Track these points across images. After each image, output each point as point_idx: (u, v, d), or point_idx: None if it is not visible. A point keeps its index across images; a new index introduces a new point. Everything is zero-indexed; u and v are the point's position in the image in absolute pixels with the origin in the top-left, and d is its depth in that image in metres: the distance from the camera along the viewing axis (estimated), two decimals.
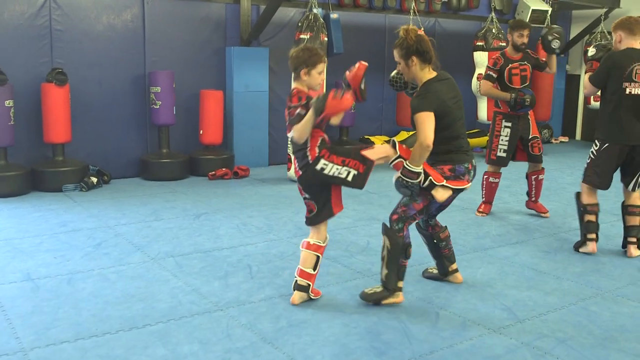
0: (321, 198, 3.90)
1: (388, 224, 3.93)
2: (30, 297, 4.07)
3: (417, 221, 4.17)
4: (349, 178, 3.75)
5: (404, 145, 3.87)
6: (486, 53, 9.56)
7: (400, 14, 9.78)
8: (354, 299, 4.10)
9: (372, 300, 3.95)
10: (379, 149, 3.87)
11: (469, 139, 10.86)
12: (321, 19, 7.82)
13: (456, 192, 3.90)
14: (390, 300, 3.95)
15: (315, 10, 8.09)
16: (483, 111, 9.80)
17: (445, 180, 3.81)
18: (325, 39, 7.85)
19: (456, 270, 4.41)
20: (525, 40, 6.20)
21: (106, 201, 6.79)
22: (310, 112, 3.69)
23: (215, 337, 3.52)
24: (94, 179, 7.42)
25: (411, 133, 10.06)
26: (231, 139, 8.85)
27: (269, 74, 9.00)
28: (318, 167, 3.77)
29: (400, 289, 3.97)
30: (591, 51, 5.34)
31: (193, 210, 6.47)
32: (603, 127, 4.99)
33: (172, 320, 3.73)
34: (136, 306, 3.93)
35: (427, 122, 3.69)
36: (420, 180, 3.72)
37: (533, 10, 10.76)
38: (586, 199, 5.12)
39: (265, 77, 8.92)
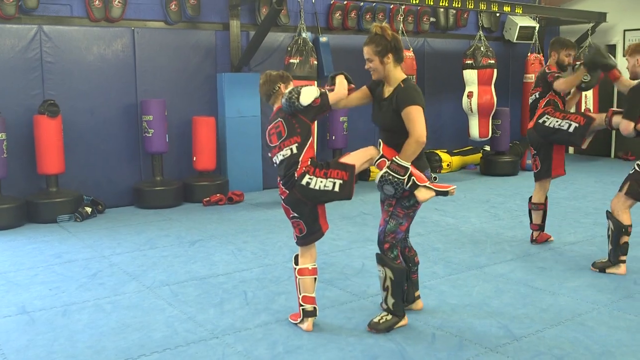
0: (310, 216, 3.88)
1: (380, 253, 3.88)
2: (26, 330, 4.05)
3: (400, 245, 4.05)
4: (336, 189, 3.72)
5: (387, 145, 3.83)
6: (475, 71, 9.64)
7: None
8: (350, 322, 4.09)
9: (385, 330, 3.87)
10: (359, 153, 3.86)
11: (464, 156, 10.77)
12: (310, 43, 7.89)
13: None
14: (400, 324, 3.94)
15: (304, 35, 8.17)
16: (475, 129, 9.86)
17: (428, 182, 3.71)
18: (315, 62, 7.91)
19: (419, 297, 4.27)
20: (572, 61, 5.84)
21: (101, 231, 6.79)
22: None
23: None
24: (89, 209, 7.42)
25: None
26: (225, 164, 8.87)
27: (261, 98, 9.03)
28: (304, 182, 3.74)
29: (404, 315, 3.98)
30: (585, 78, 5.43)
31: (188, 237, 6.47)
32: None
33: (167, 349, 3.72)
34: (132, 336, 3.91)
35: (421, 116, 3.66)
36: (406, 179, 3.61)
37: (521, 27, 10.88)
38: (627, 220, 4.92)
39: (257, 102, 8.96)
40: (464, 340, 3.76)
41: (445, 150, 10.73)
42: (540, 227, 5.99)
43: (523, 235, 6.28)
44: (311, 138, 3.84)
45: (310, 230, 3.92)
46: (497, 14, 11.18)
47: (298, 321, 4.01)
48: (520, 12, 10.17)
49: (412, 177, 3.64)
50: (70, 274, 5.28)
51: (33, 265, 5.56)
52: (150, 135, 8.03)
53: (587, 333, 3.86)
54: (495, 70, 9.74)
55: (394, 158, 3.64)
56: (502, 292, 4.62)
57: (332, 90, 3.96)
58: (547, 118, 5.61)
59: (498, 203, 7.86)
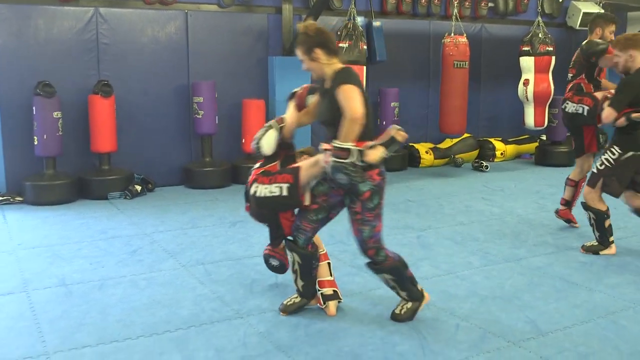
0: (274, 222, 3.89)
1: (369, 261, 3.82)
2: (62, 302, 4.21)
3: (294, 239, 3.84)
4: (284, 193, 3.60)
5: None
6: (532, 58, 9.36)
7: (445, 20, 9.68)
8: (375, 308, 4.08)
9: (411, 316, 3.87)
10: (306, 160, 3.74)
11: (519, 145, 10.52)
12: (360, 27, 7.83)
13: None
14: (422, 305, 3.92)
15: (357, 19, 8.10)
16: (530, 117, 9.59)
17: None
18: (365, 47, 7.85)
19: (317, 292, 4.07)
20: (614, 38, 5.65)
21: (148, 209, 6.97)
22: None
23: (231, 344, 3.57)
24: (138, 187, 7.62)
25: (455, 140, 9.95)
26: None
27: (311, 82, 9.02)
28: (252, 191, 3.71)
29: (422, 292, 3.93)
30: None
31: (230, 218, 6.56)
32: (627, 137, 4.99)
33: (192, 327, 3.80)
34: (160, 312, 4.02)
35: (355, 94, 3.44)
36: (354, 161, 3.39)
37: (584, 13, 10.49)
38: (604, 206, 5.20)
39: None
40: (488, 333, 3.70)
41: (500, 139, 10.48)
42: (567, 203, 6.06)
43: (569, 228, 6.10)
44: (277, 160, 3.85)
45: (274, 234, 3.93)
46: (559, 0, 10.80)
47: (324, 306, 4.02)
48: None
49: (357, 150, 3.40)
50: (112, 249, 5.45)
51: (79, 239, 5.77)
52: (201, 116, 8.16)
53: (619, 332, 3.73)
54: (553, 58, 9.42)
55: (333, 143, 3.44)
56: (536, 286, 4.50)
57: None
58: (567, 104, 5.79)
59: (548, 194, 7.64)
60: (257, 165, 3.89)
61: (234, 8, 8.57)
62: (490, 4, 10.30)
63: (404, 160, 9.53)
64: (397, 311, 3.90)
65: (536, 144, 10.51)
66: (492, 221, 6.39)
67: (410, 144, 9.87)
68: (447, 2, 9.84)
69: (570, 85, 5.79)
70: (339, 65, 3.64)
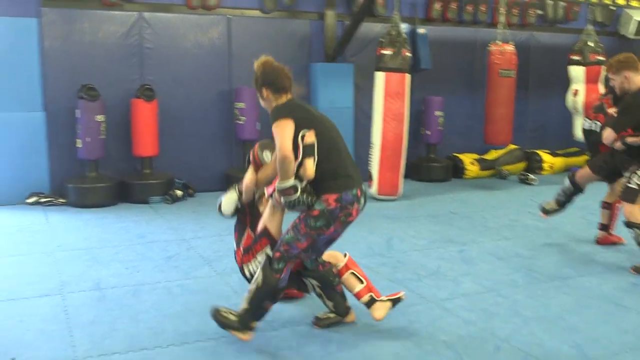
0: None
1: (268, 258, 3.62)
2: (95, 306, 4.19)
3: (307, 265, 3.82)
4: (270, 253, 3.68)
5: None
6: (583, 67, 9.07)
7: (492, 28, 9.45)
8: (412, 325, 3.94)
9: (220, 322, 3.58)
10: (265, 212, 3.87)
11: (568, 158, 10.19)
12: (404, 35, 7.68)
13: (347, 225, 3.55)
14: (238, 334, 3.57)
15: (401, 26, 7.96)
16: (580, 129, 9.27)
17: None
18: (408, 54, 7.70)
19: (350, 308, 3.95)
20: None
21: (187, 214, 6.95)
22: None
23: (262, 357, 3.48)
24: (179, 192, 7.63)
25: (501, 151, 9.71)
26: None
27: (354, 89, 8.95)
28: (248, 275, 3.92)
29: (253, 329, 3.61)
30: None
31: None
32: None
33: (223, 337, 3.71)
34: (192, 321, 3.95)
35: (283, 130, 3.38)
36: (304, 195, 3.39)
37: (638, 21, 10.14)
38: None
39: (350, 93, 8.88)
40: (529, 356, 3.52)
41: (548, 151, 10.19)
42: (604, 227, 5.87)
43: (619, 247, 5.84)
44: (246, 230, 3.99)
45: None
46: (612, 7, 10.46)
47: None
48: (638, 5, 9.47)
49: (298, 181, 3.40)
50: (150, 254, 5.43)
51: (117, 243, 5.77)
52: (242, 122, 8.13)
53: None
54: (604, 68, 9.12)
55: (276, 185, 3.45)
56: (583, 308, 4.29)
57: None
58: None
59: (597, 210, 7.32)
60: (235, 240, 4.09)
61: (277, 14, 8.54)
62: (539, 12, 10.06)
63: (447, 171, 9.33)
64: (222, 309, 3.62)
65: (586, 157, 10.17)
66: (538, 237, 6.17)
67: (455, 154, 9.66)
68: (494, 9, 9.63)
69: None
70: (281, 101, 3.58)
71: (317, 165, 3.44)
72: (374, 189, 7.84)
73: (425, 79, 9.40)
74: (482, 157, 9.73)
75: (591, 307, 4.31)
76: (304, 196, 3.40)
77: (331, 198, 3.42)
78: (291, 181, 3.37)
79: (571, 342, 3.72)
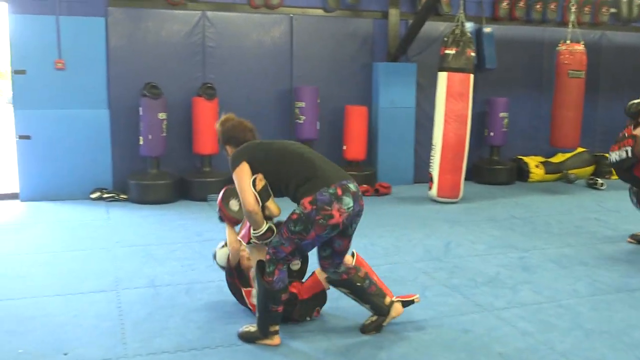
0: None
1: (260, 262, 3.64)
2: (148, 303, 4.22)
3: (330, 277, 3.81)
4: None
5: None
6: None
7: (561, 27, 9.10)
8: (466, 335, 3.80)
9: (245, 340, 3.65)
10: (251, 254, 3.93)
11: None
12: (468, 34, 7.49)
13: (329, 228, 3.39)
14: (265, 342, 3.61)
15: (467, 25, 7.77)
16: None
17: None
18: (472, 54, 7.50)
19: (393, 302, 3.83)
20: None
21: None
22: None
23: None
24: None
25: (568, 155, 9.36)
26: (375, 155, 8.76)
27: (417, 89, 8.80)
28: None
29: (276, 332, 3.62)
30: None
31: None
32: None
33: None
34: (242, 322, 3.91)
35: (243, 177, 3.49)
36: (273, 235, 3.51)
37: None
38: None
39: (412, 93, 8.74)
40: None
41: None
42: None
43: None
44: (241, 290, 4.06)
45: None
46: None
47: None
48: None
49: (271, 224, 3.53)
50: (206, 252, 5.43)
51: (175, 240, 5.83)
52: (302, 121, 8.11)
53: None
54: None
55: (251, 233, 3.59)
56: None
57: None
58: (609, 155, 5.90)
59: None
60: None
61: (340, 12, 8.47)
62: (612, 10, 9.63)
63: (511, 174, 9.06)
64: (242, 328, 3.73)
65: None
66: (605, 245, 5.89)
67: (519, 157, 9.38)
68: (564, 7, 9.28)
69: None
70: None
71: (289, 182, 3.48)
72: (433, 191, 7.68)
73: (490, 79, 9.16)
74: (548, 160, 9.40)
75: None
76: (273, 240, 3.51)
77: (306, 201, 3.38)
78: (265, 226, 3.49)
79: (635, 359, 3.51)
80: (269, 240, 3.52)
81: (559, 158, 9.42)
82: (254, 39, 8.11)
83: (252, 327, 3.68)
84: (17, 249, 5.51)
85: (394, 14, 8.64)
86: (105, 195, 7.39)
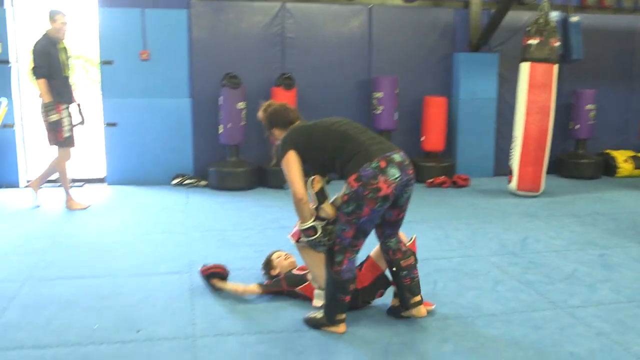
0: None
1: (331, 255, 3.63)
2: None
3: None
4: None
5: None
6: None
7: None
8: (536, 332, 3.69)
9: (311, 325, 3.70)
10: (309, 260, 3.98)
11: None
12: (552, 23, 7.21)
13: (380, 201, 3.35)
14: (331, 329, 3.65)
15: (552, 14, 7.50)
16: None
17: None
18: (557, 44, 7.22)
19: (419, 303, 3.71)
20: None
21: None
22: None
23: (372, 351, 3.42)
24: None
25: None
26: (454, 146, 8.61)
27: (499, 80, 8.58)
28: None
29: (342, 320, 3.64)
30: None
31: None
32: None
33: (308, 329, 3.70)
34: (309, 309, 3.95)
35: (291, 166, 3.53)
36: (325, 237, 3.52)
37: None
38: None
39: (494, 84, 8.53)
40: None
41: None
42: None
43: None
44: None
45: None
46: None
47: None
48: None
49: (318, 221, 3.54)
50: (278, 239, 5.51)
51: (250, 226, 5.95)
52: (379, 112, 8.08)
53: None
54: None
55: (298, 225, 3.63)
56: None
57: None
58: None
59: None
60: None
61: (419, 2, 8.39)
62: None
63: (597, 168, 8.70)
64: (309, 314, 3.79)
65: None
66: None
67: (607, 151, 8.99)
68: None
69: None
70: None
71: (334, 163, 3.52)
72: (513, 184, 7.48)
73: (577, 70, 8.82)
74: (637, 154, 8.96)
75: None
76: (325, 238, 3.53)
77: (352, 179, 3.38)
78: (310, 222, 3.53)
79: None
80: (313, 239, 3.54)
81: None
82: (333, 30, 8.13)
83: (319, 314, 3.73)
84: (101, 231, 5.78)
85: (475, 3, 8.45)
86: (186, 182, 7.63)
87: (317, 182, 3.62)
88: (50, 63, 6.19)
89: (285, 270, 4.26)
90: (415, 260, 3.78)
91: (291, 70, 7.90)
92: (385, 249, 3.76)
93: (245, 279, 4.46)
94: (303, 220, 3.55)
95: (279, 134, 3.77)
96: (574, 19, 8.44)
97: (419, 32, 8.40)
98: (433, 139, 8.34)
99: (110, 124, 7.64)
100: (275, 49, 7.95)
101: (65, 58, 6.40)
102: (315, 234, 3.52)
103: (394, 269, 3.74)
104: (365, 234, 3.54)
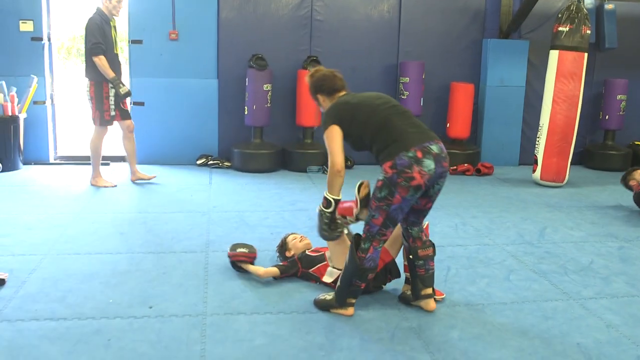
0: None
1: (356, 235, 3.67)
2: (232, 268, 4.39)
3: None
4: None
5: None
6: None
7: None
8: (545, 322, 3.68)
9: (320, 307, 3.74)
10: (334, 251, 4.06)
11: None
12: (585, 10, 7.08)
13: (412, 190, 3.38)
14: (340, 311, 3.68)
15: (586, 1, 7.37)
16: None
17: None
18: (588, 31, 7.09)
19: (429, 296, 3.74)
20: None
21: None
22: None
23: (379, 335, 3.45)
24: None
25: None
26: (480, 134, 8.55)
27: (528, 68, 8.47)
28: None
29: (351, 304, 3.68)
30: None
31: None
32: None
33: (307, 312, 3.73)
34: (319, 292, 3.99)
35: (334, 141, 3.53)
36: (332, 211, 3.57)
37: None
38: None
39: (523, 72, 8.42)
40: None
41: None
42: None
43: None
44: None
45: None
46: None
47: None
48: None
49: (335, 201, 3.58)
50: (295, 221, 5.59)
51: (268, 208, 6.01)
52: (405, 97, 8.04)
53: None
54: None
55: (325, 192, 3.60)
56: None
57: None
58: None
59: None
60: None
61: None
62: None
63: (626, 159, 8.55)
64: (319, 296, 3.84)
65: None
66: None
67: (636, 142, 8.82)
68: None
69: None
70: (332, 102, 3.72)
71: (372, 145, 3.53)
72: (537, 174, 7.41)
73: (609, 59, 8.66)
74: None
75: None
76: (325, 218, 3.60)
77: (386, 166, 3.40)
78: (334, 196, 3.55)
79: None
80: (322, 212, 3.60)
81: None
82: (362, 13, 8.10)
83: (329, 296, 3.77)
84: (123, 208, 5.90)
85: None
86: (210, 162, 7.72)
87: (365, 187, 3.70)
88: (104, 40, 6.30)
89: (299, 252, 4.31)
90: (434, 252, 3.80)
91: (318, 54, 7.91)
92: (406, 235, 3.77)
93: (260, 260, 4.52)
94: (330, 192, 3.56)
95: (322, 101, 3.79)
96: (609, 6, 8.27)
97: (448, 17, 8.32)
98: (458, 126, 8.27)
99: (137, 103, 7.74)
100: (303, 32, 7.96)
101: (116, 35, 6.53)
102: (329, 208, 3.56)
103: (411, 256, 3.75)
104: (394, 223, 3.53)
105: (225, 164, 7.73)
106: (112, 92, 6.40)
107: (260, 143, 7.75)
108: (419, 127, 3.55)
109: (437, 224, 5.65)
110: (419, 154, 3.37)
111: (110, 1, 6.34)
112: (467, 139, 8.39)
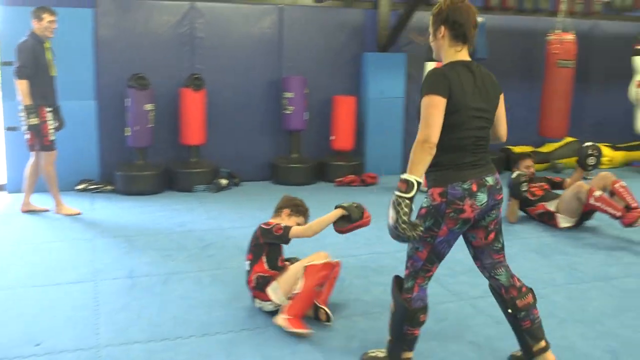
0: None
1: (397, 277, 3.24)
2: (124, 294, 4.24)
3: (490, 283, 3.32)
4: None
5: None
6: None
7: (553, 17, 9.07)
8: (439, 323, 3.82)
9: None
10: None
11: (629, 152, 9.79)
12: None
13: (461, 222, 2.93)
14: None
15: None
16: None
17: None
18: None
19: (544, 350, 3.22)
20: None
21: (229, 203, 6.97)
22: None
23: (280, 352, 3.43)
24: (224, 181, 7.66)
25: (557, 144, 9.36)
26: (363, 145, 8.75)
27: (407, 80, 8.78)
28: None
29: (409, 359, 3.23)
30: None
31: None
32: None
33: (245, 330, 3.70)
34: (217, 312, 3.95)
35: (431, 113, 2.81)
36: (412, 197, 2.74)
37: None
38: None
39: (401, 83, 8.72)
40: None
41: (609, 145, 9.74)
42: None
43: None
44: (262, 256, 3.99)
45: None
46: None
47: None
48: None
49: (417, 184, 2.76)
50: (185, 243, 5.47)
51: (156, 231, 5.84)
52: (290, 112, 8.09)
53: None
54: None
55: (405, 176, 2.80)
56: (625, 311, 4.07)
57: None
58: None
59: None
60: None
61: (330, 3, 8.46)
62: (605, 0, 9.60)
63: (499, 163, 9.04)
64: (368, 353, 3.40)
65: None
66: (585, 236, 5.89)
67: (508, 147, 9.37)
68: None
69: None
70: (455, 58, 2.96)
71: (437, 153, 2.83)
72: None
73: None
74: (536, 150, 9.39)
75: (635, 310, 4.08)
76: (405, 206, 2.75)
77: (436, 192, 2.93)
78: (416, 178, 2.76)
79: (605, 347, 3.54)
80: (397, 196, 2.76)
81: (548, 148, 9.41)
82: (244, 30, 8.09)
83: (381, 353, 3.33)
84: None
85: (384, 4, 8.60)
86: (91, 187, 7.40)
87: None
88: (36, 63, 5.99)
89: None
90: (534, 298, 3.27)
91: (201, 71, 7.81)
92: (496, 285, 3.26)
93: (149, 286, 4.41)
94: (414, 171, 2.76)
95: (442, 35, 2.98)
96: (480, 19, 8.72)
97: (329, 32, 8.49)
98: (342, 138, 8.43)
99: (10, 128, 7.30)
100: (184, 49, 7.84)
101: (51, 58, 6.17)
102: (407, 191, 2.75)
103: (509, 310, 3.23)
104: (440, 257, 3.07)
105: (107, 187, 7.43)
106: (49, 117, 6.14)
107: (144, 164, 7.53)
108: (482, 156, 3.01)
109: (327, 235, 5.64)
110: (474, 187, 2.92)
111: (40, 22, 6.06)
112: (351, 150, 8.56)
